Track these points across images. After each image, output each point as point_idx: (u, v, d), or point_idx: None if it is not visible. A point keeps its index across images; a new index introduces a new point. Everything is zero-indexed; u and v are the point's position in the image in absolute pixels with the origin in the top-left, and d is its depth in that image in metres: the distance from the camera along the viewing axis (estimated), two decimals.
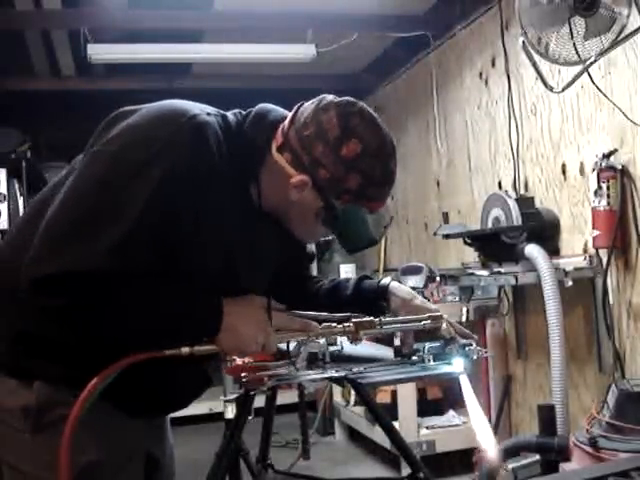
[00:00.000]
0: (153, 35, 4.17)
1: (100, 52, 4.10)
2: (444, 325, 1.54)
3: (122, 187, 1.21)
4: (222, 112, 1.38)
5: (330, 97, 1.37)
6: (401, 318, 1.57)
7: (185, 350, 1.26)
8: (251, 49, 4.33)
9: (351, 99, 1.36)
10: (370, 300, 1.64)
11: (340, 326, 1.42)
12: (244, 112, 1.41)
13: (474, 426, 1.46)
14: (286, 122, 1.35)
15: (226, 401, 2.59)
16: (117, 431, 1.34)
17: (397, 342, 1.59)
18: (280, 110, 1.42)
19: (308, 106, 1.36)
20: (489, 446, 1.39)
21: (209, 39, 4.45)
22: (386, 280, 1.68)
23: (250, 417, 1.91)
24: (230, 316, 1.28)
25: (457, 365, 1.55)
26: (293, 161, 1.32)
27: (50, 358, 1.29)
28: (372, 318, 1.45)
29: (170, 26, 4.11)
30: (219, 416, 2.79)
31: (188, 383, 1.41)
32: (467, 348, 1.56)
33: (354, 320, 1.43)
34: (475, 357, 1.56)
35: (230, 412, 2.56)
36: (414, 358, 1.60)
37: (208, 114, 1.31)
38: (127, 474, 1.36)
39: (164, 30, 4.15)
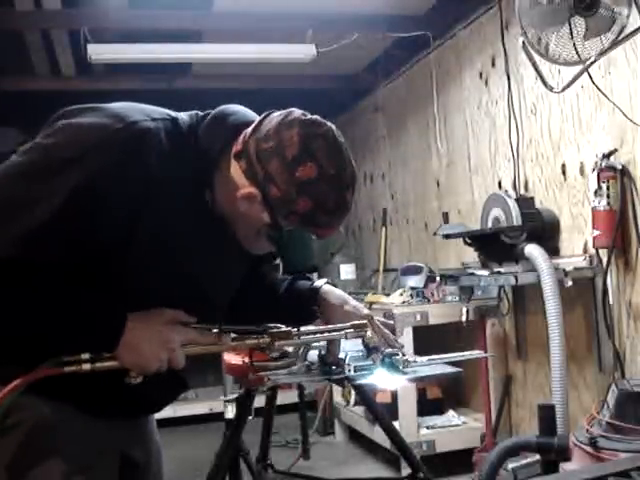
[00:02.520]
0: (153, 35, 4.17)
1: (100, 52, 4.10)
2: (368, 334, 1.49)
3: (43, 181, 1.20)
4: (174, 115, 1.34)
5: (298, 113, 1.31)
6: (321, 328, 1.52)
7: (86, 367, 1.23)
8: (251, 49, 4.33)
9: (319, 119, 1.31)
10: (301, 303, 1.60)
11: (254, 338, 1.38)
12: (202, 113, 1.37)
13: None
14: (249, 130, 1.30)
15: (226, 401, 2.59)
16: (82, 431, 1.33)
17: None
18: (246, 113, 1.37)
19: (274, 118, 1.30)
20: None
21: (209, 39, 4.45)
22: (319, 283, 1.62)
23: (250, 417, 1.91)
24: (132, 331, 1.25)
25: (379, 375, 1.49)
26: (247, 171, 1.28)
27: (3, 358, 1.28)
28: (289, 328, 1.40)
29: (170, 26, 4.11)
30: (219, 416, 2.80)
31: (158, 386, 1.36)
32: (393, 358, 1.51)
33: (270, 331, 1.38)
34: (401, 367, 1.51)
35: (230, 412, 2.56)
36: (333, 368, 1.54)
37: (153, 119, 1.27)
38: (94, 474, 1.35)
39: (164, 30, 4.16)
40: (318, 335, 1.48)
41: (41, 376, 1.21)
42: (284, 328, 1.40)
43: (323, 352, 1.55)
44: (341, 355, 1.54)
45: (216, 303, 1.45)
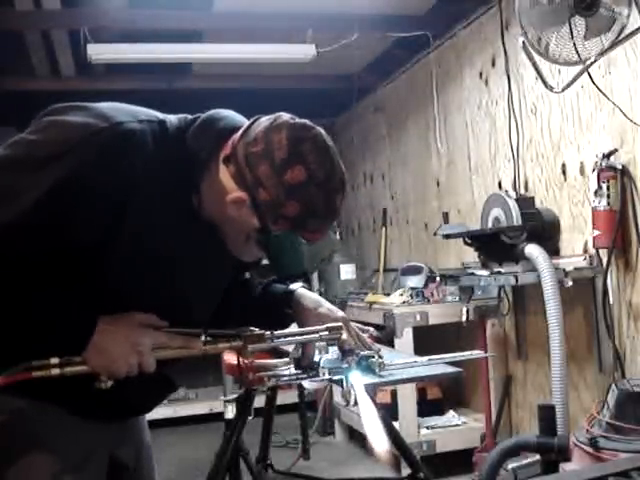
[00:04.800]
0: (153, 35, 4.17)
1: (100, 52, 4.10)
2: (344, 336, 1.48)
3: (23, 175, 1.20)
4: (162, 118, 1.33)
5: (287, 117, 1.30)
6: (296, 330, 1.51)
7: (55, 372, 1.23)
8: (251, 49, 4.33)
9: (308, 123, 1.31)
10: (275, 306, 1.60)
11: (227, 342, 1.36)
12: (191, 117, 1.36)
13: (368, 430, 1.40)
14: (238, 134, 1.30)
15: (226, 401, 2.59)
16: (70, 432, 1.33)
17: (297, 354, 1.51)
18: (236, 118, 1.37)
19: (263, 122, 1.30)
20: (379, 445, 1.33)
21: (209, 39, 4.45)
22: (294, 286, 1.61)
23: (250, 417, 1.91)
24: (101, 335, 1.24)
25: (354, 378, 1.47)
26: (236, 176, 1.28)
27: None
28: (263, 331, 1.39)
29: (170, 26, 4.11)
30: (219, 416, 2.80)
31: (145, 388, 1.36)
32: (369, 360, 1.49)
33: (243, 334, 1.37)
34: (377, 370, 1.49)
35: (230, 412, 2.56)
36: (308, 371, 1.52)
37: (140, 121, 1.27)
38: (83, 475, 1.35)
39: (164, 30, 4.16)
40: (293, 338, 1.47)
41: (10, 382, 1.20)
42: (257, 331, 1.39)
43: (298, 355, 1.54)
44: (316, 358, 1.53)
45: (199, 307, 1.43)
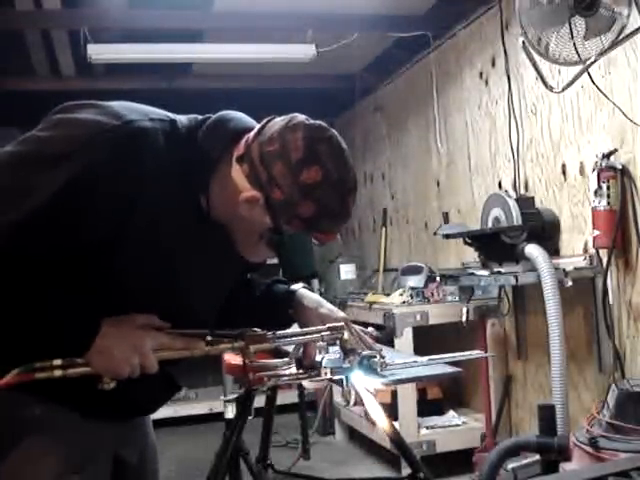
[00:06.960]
0: (153, 35, 4.17)
1: (100, 52, 4.10)
2: (346, 336, 1.48)
3: (33, 173, 1.19)
4: (173, 117, 1.33)
5: (302, 117, 1.31)
6: (298, 330, 1.52)
7: (57, 373, 1.23)
8: (251, 49, 4.33)
9: (323, 124, 1.32)
10: (277, 306, 1.60)
11: (228, 343, 1.36)
12: (201, 117, 1.37)
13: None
14: (252, 133, 1.31)
15: (226, 401, 2.59)
16: (74, 432, 1.33)
17: (298, 354, 1.51)
18: (246, 120, 1.38)
19: (278, 122, 1.31)
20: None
21: (209, 39, 4.45)
22: (295, 287, 1.62)
23: (250, 417, 1.92)
24: (104, 337, 1.24)
25: (356, 378, 1.48)
26: (250, 175, 1.28)
27: None
28: (265, 332, 1.39)
29: (170, 26, 4.11)
30: (219, 416, 2.80)
31: (150, 388, 1.36)
32: (371, 360, 1.49)
33: (245, 335, 1.37)
34: (379, 370, 1.49)
35: (230, 412, 2.57)
36: (310, 371, 1.52)
37: (151, 120, 1.27)
38: (87, 475, 1.35)
39: (164, 30, 4.16)
40: (295, 338, 1.47)
41: (12, 382, 1.20)
42: (259, 332, 1.39)
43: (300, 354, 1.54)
44: (317, 358, 1.53)
45: (204, 308, 1.43)
